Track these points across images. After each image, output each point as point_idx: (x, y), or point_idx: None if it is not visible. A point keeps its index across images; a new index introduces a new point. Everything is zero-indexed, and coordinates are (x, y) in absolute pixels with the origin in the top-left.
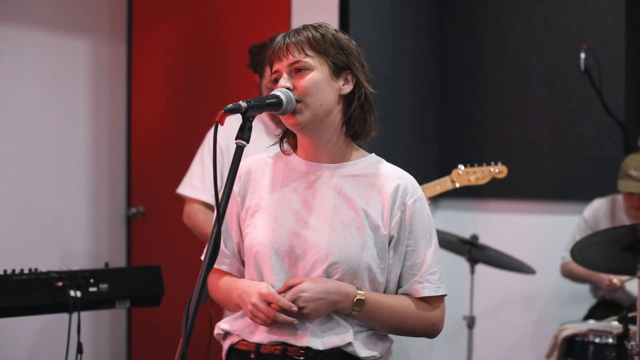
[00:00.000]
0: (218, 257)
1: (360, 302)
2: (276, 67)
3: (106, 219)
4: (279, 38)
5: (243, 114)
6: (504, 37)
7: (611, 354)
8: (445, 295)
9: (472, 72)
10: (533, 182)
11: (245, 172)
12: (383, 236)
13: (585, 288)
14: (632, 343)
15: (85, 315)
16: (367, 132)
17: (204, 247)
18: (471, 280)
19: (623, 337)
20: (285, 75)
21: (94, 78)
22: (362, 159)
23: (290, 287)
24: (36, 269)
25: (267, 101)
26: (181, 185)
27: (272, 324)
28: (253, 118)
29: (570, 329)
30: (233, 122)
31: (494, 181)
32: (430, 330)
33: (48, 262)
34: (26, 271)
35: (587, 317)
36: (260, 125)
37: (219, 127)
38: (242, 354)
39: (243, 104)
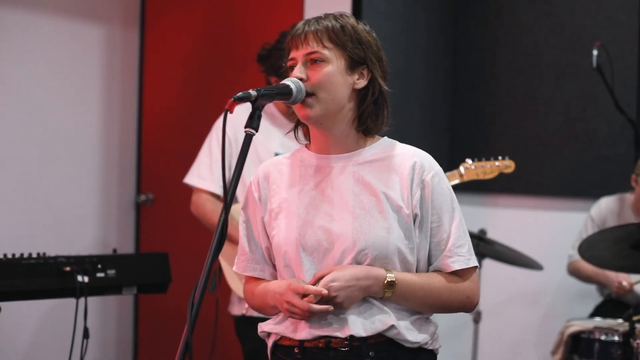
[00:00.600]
0: (248, 264)
1: (392, 284)
2: (293, 54)
3: (115, 205)
4: (299, 25)
5: (253, 103)
6: (516, 33)
7: (617, 352)
8: (476, 266)
9: (485, 67)
10: (543, 178)
11: (263, 177)
12: (406, 216)
13: (591, 286)
14: (638, 341)
15: (93, 300)
16: (379, 127)
17: (212, 237)
18: (478, 274)
19: (629, 335)
20: (300, 64)
21: (107, 65)
22: (375, 144)
23: (320, 279)
24: (44, 254)
25: (277, 90)
26: (189, 175)
27: (310, 316)
28: (263, 107)
29: (577, 326)
30: (242, 112)
31: (503, 176)
32: (467, 303)
33: (57, 247)
34: (34, 255)
35: (593, 315)
36: (267, 116)
37: (228, 116)
38: (287, 350)
39: (253, 92)
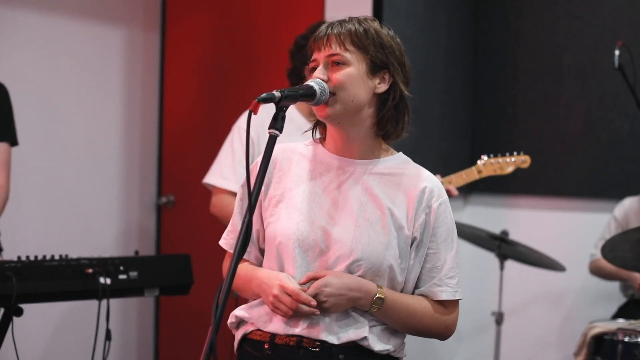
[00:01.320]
0: (234, 242)
1: (380, 300)
2: (315, 56)
3: (137, 207)
4: (323, 27)
5: (277, 104)
6: (537, 33)
7: None
8: (460, 299)
9: (506, 67)
10: (564, 178)
11: (271, 161)
12: (406, 237)
13: (614, 286)
14: None
15: (114, 302)
16: (399, 133)
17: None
18: (500, 276)
19: None
20: (321, 66)
21: (128, 67)
22: (390, 157)
23: (313, 280)
24: (67, 256)
25: (301, 91)
26: (210, 175)
27: (292, 315)
28: (286, 108)
29: (599, 327)
30: (263, 113)
31: (524, 178)
32: (444, 332)
33: (78, 249)
34: (57, 257)
35: (616, 316)
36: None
37: (247, 117)
38: (256, 344)
39: (277, 93)
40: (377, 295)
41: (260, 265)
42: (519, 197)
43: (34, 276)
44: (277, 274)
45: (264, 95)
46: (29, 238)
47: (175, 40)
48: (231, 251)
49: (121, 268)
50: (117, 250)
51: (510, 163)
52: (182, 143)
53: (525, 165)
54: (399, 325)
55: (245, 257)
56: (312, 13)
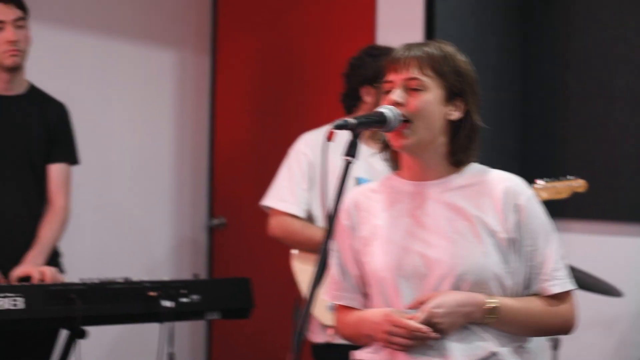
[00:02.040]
0: (339, 293)
1: (493, 310)
2: (391, 77)
3: (189, 229)
4: (401, 48)
5: (352, 130)
6: (588, 56)
7: None
8: (574, 288)
9: (555, 90)
10: (617, 203)
11: (353, 205)
12: (502, 240)
13: None
14: None
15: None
16: (469, 160)
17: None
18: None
19: None
20: (399, 89)
21: (179, 89)
22: (466, 170)
23: (420, 304)
24: (129, 279)
25: (374, 118)
26: (268, 198)
27: (410, 346)
28: (360, 134)
29: None
30: (321, 136)
31: (576, 201)
32: (565, 326)
33: (132, 271)
34: (120, 280)
35: None
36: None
37: (305, 140)
38: None
39: (351, 120)
40: (489, 304)
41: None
42: (571, 221)
43: (97, 299)
44: (382, 310)
45: (339, 122)
46: (83, 258)
47: (225, 61)
48: (337, 302)
49: (183, 291)
50: (169, 272)
51: (566, 187)
52: (233, 164)
53: (581, 189)
54: (519, 330)
55: (350, 304)
56: (363, 35)
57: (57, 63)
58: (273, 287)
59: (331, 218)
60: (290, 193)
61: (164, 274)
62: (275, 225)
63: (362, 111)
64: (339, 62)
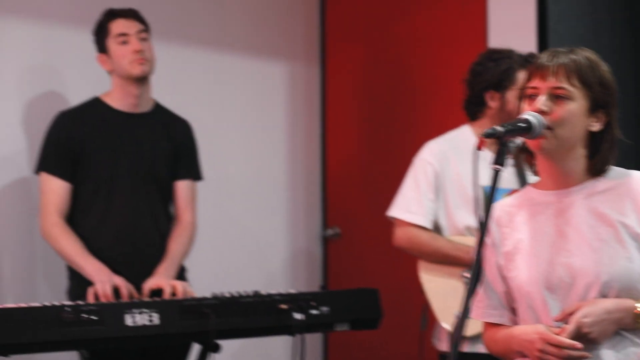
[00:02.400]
0: (486, 310)
1: None
2: (536, 84)
3: (303, 240)
4: (547, 55)
5: (500, 139)
6: None
7: None
8: None
9: None
10: None
11: (494, 221)
12: None
13: None
14: None
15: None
16: (606, 170)
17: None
18: None
19: None
20: (545, 97)
21: (290, 101)
22: (605, 175)
23: (569, 315)
24: (258, 292)
25: (521, 126)
26: (394, 209)
27: None
28: (508, 142)
29: None
30: (444, 144)
31: None
32: None
33: (249, 282)
34: (250, 294)
35: None
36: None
37: (430, 150)
38: None
39: (499, 128)
40: (639, 308)
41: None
42: None
43: (230, 313)
44: (533, 327)
45: (488, 130)
46: (201, 271)
47: (335, 72)
48: (484, 320)
49: (313, 303)
50: (284, 283)
51: None
52: (345, 174)
53: None
54: None
55: (498, 321)
56: (475, 40)
57: (172, 78)
58: (389, 297)
59: (482, 227)
60: (417, 204)
61: (279, 286)
62: (401, 236)
63: (487, 117)
64: (451, 68)
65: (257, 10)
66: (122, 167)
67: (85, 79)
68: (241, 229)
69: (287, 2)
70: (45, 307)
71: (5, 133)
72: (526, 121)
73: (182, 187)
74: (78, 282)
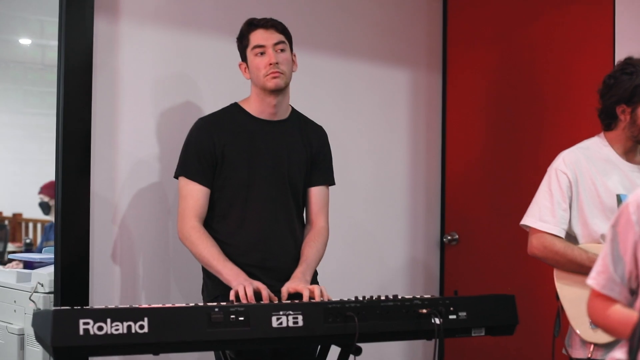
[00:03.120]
0: (607, 283)
1: None
2: None
3: (422, 244)
4: None
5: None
6: None
7: None
8: None
9: None
10: None
11: (636, 205)
12: None
13: None
14: None
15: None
16: None
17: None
18: None
19: None
20: None
21: (412, 106)
22: None
23: None
24: (397, 296)
25: None
26: (528, 217)
27: None
28: None
29: None
30: (579, 153)
31: None
32: None
33: (367, 286)
34: (390, 297)
35: None
36: (604, 160)
37: (564, 159)
38: None
39: None
40: None
41: (629, 305)
42: None
43: (371, 316)
44: None
45: None
46: (322, 273)
47: (456, 78)
48: (603, 292)
49: (451, 308)
50: (401, 288)
51: None
52: (465, 180)
53: None
54: None
55: (616, 298)
56: (601, 45)
57: (303, 84)
58: None
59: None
60: (550, 213)
61: (396, 290)
62: (536, 245)
63: (619, 128)
64: (576, 74)
65: (383, 20)
66: (260, 173)
67: (219, 87)
68: (362, 233)
69: (411, 11)
70: (195, 307)
71: (142, 138)
72: None
73: (316, 192)
74: (213, 285)
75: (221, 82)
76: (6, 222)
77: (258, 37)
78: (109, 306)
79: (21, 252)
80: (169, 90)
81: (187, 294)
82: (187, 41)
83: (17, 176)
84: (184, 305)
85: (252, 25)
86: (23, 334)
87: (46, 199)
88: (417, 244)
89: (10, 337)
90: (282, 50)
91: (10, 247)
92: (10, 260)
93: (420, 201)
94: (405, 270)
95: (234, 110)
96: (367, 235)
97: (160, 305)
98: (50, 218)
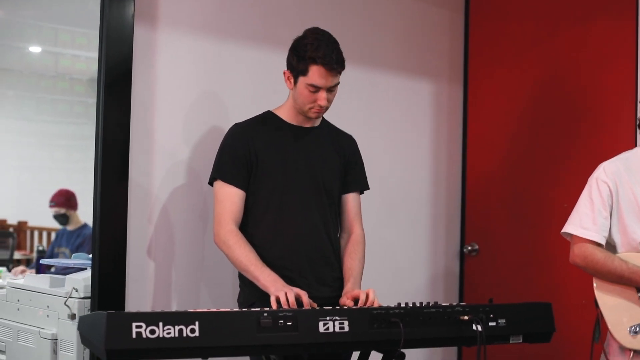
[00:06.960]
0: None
1: None
2: None
3: (443, 255)
4: None
5: None
6: None
7: None
8: None
9: None
10: None
11: None
12: None
13: None
14: None
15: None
16: None
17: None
18: None
19: None
20: None
21: (434, 118)
22: None
23: None
24: (437, 302)
25: None
26: (569, 225)
27: None
28: None
29: None
30: (619, 163)
31: None
32: None
33: (388, 295)
34: (432, 304)
35: None
36: (633, 171)
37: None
38: None
39: None
40: None
41: None
42: None
43: (415, 322)
44: None
45: None
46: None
47: (477, 91)
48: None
49: (491, 315)
50: (423, 298)
51: None
52: (485, 192)
53: None
54: None
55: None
56: (624, 61)
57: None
58: None
59: None
60: (590, 221)
61: (418, 299)
62: (578, 254)
63: None
64: (598, 90)
65: (407, 33)
66: (294, 178)
67: (254, 94)
68: (383, 243)
69: (434, 25)
70: (245, 312)
71: (178, 142)
72: None
73: (351, 199)
74: (250, 291)
75: (257, 89)
76: (11, 230)
77: (317, 76)
78: (164, 310)
79: (27, 260)
80: (204, 97)
81: (216, 300)
82: (224, 48)
83: (25, 184)
84: (234, 310)
85: (316, 60)
86: (56, 339)
87: (62, 210)
88: (438, 255)
89: (43, 342)
90: (333, 90)
91: (17, 255)
92: (17, 265)
93: (441, 212)
94: (426, 280)
95: (268, 117)
96: (388, 246)
97: (211, 310)
98: (58, 226)
